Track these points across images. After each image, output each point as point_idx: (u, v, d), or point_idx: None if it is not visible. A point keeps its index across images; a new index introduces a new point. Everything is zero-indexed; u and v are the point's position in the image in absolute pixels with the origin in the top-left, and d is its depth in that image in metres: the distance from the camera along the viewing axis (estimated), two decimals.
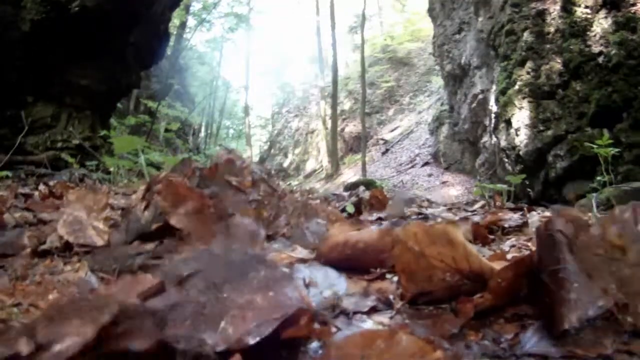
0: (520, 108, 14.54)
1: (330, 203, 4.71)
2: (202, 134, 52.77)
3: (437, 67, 28.16)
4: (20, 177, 6.66)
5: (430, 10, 26.07)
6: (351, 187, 6.31)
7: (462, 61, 22.28)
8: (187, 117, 36.72)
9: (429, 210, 5.13)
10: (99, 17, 7.96)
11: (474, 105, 21.68)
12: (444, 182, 25.38)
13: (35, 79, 7.92)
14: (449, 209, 5.91)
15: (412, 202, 5.75)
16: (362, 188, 6.03)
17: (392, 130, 36.70)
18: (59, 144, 7.94)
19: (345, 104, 40.86)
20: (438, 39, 25.14)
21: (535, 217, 3.92)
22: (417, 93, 39.81)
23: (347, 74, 43.40)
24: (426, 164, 28.69)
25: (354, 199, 4.43)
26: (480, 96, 20.82)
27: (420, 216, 4.07)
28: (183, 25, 31.74)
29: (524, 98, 14.44)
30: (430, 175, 27.07)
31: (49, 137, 7.92)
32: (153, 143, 25.40)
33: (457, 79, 23.82)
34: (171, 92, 28.55)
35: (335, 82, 35.39)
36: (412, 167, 29.36)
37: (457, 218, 3.53)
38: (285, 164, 46.86)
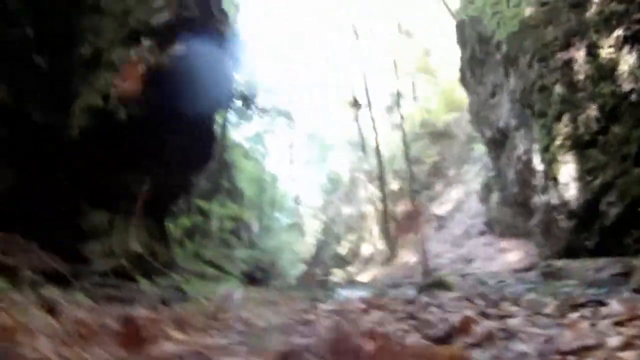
0: (565, 163, 14.40)
1: None
2: (255, 229, 53.26)
3: (477, 134, 28.05)
4: (86, 288, 6.58)
5: (462, 79, 26.27)
6: (424, 289, 6.15)
7: (501, 125, 22.16)
8: (239, 215, 37.26)
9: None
10: (145, 124, 8.20)
11: (519, 167, 21.39)
12: (501, 250, 24.84)
13: (88, 186, 8.13)
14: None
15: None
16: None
17: (442, 205, 36.44)
18: (117, 251, 8.06)
19: (393, 185, 40.83)
20: (473, 107, 25.21)
21: None
22: (461, 164, 39.61)
23: (391, 153, 43.57)
24: (481, 233, 28.19)
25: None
26: (524, 157, 20.52)
27: None
28: (224, 122, 32.70)
29: (567, 152, 14.32)
30: (486, 244, 26.58)
31: (105, 243, 8.06)
32: (208, 243, 25.71)
33: (498, 143, 23.64)
34: (221, 191, 29.12)
35: (380, 164, 35.61)
36: (468, 239, 28.89)
37: None
38: (341, 251, 46.67)
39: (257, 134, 47.21)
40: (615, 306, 3.11)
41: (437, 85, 45.64)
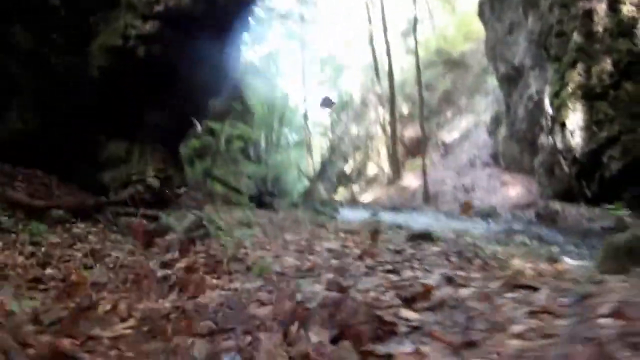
0: (574, 111, 14.79)
1: None
2: (262, 144, 53.80)
3: (492, 68, 28.21)
4: (109, 219, 7.06)
5: (480, 14, 26.26)
6: (411, 238, 6.73)
7: (516, 62, 22.45)
8: (248, 135, 37.68)
9: None
10: (163, 61, 8.49)
11: (529, 106, 21.83)
12: (504, 183, 25.44)
13: (107, 119, 8.46)
14: None
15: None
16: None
17: (450, 132, 36.78)
18: (134, 177, 8.34)
19: (404, 109, 41.13)
20: (490, 42, 25.34)
21: None
22: (473, 94, 39.70)
23: (403, 78, 43.54)
24: (486, 165, 28.72)
25: None
26: (536, 97, 20.95)
27: None
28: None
29: (577, 100, 14.69)
30: (490, 176, 27.14)
31: (124, 171, 8.38)
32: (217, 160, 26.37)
33: (511, 80, 23.96)
34: (232, 110, 29.51)
35: (392, 87, 35.80)
36: (472, 169, 29.47)
37: None
38: (347, 170, 47.34)
39: (269, 54, 47.10)
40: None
41: (455, 14, 45.13)
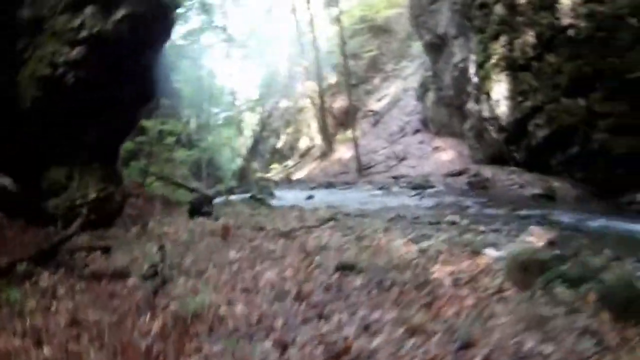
0: (498, 81, 15.05)
1: None
2: (193, 125, 52.93)
3: (416, 35, 28.37)
4: (67, 263, 6.59)
5: None
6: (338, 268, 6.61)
7: (439, 31, 22.62)
8: (177, 130, 36.91)
9: None
10: (93, 85, 8.45)
11: (455, 73, 22.08)
12: (435, 148, 25.77)
13: (44, 146, 8.37)
14: None
15: None
16: None
17: (379, 100, 36.89)
18: (78, 202, 8.40)
19: (331, 78, 41.01)
20: (414, 10, 25.41)
21: None
22: (400, 59, 39.93)
23: (330, 47, 43.36)
24: (417, 131, 29.01)
25: None
26: (461, 64, 21.18)
27: None
28: None
29: (501, 71, 14.95)
30: (421, 142, 27.46)
31: (67, 198, 8.41)
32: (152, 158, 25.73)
33: (436, 48, 24.15)
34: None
35: (318, 61, 35.52)
36: (403, 136, 29.73)
37: None
38: (279, 145, 47.07)
39: (192, 31, 46.03)
40: None
41: None
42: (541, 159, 14.49)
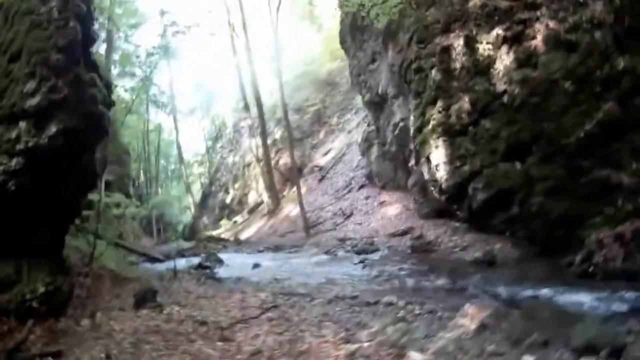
0: (436, 146, 15.10)
1: None
2: (142, 178, 52.43)
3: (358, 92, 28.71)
4: None
5: (342, 43, 26.64)
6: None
7: (379, 90, 22.87)
8: (122, 202, 36.36)
9: None
10: (33, 191, 8.68)
11: (396, 132, 22.30)
12: (381, 203, 25.81)
13: None
14: None
15: None
16: None
17: (325, 154, 37.15)
18: (28, 296, 8.73)
19: (277, 133, 41.16)
20: (354, 70, 25.73)
21: None
22: (343, 112, 40.42)
23: (274, 101, 43.67)
24: (362, 186, 29.14)
25: None
26: (401, 124, 21.42)
27: None
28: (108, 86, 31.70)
29: (438, 137, 15.00)
30: (367, 197, 27.51)
31: (18, 292, 8.72)
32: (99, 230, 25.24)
33: (377, 105, 24.42)
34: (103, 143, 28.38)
35: (262, 118, 35.56)
36: (349, 191, 29.82)
37: None
38: (228, 200, 46.85)
39: (137, 86, 45.91)
40: None
41: (321, 33, 45.68)
42: (483, 219, 14.54)
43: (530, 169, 12.36)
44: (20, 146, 8.18)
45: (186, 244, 31.31)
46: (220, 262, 19.51)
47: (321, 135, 40.41)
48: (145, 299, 10.54)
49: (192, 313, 10.16)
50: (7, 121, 8.25)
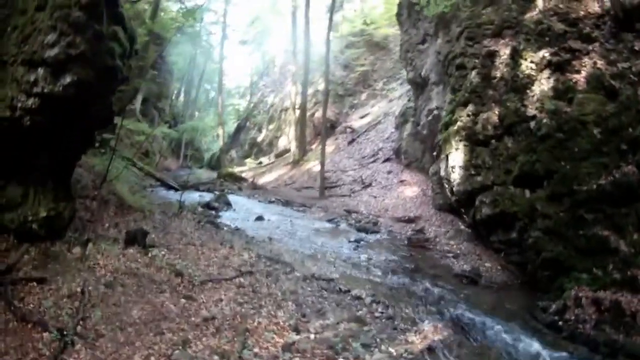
0: (457, 149, 15.15)
1: None
2: (182, 98, 52.95)
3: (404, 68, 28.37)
4: (7, 300, 7.80)
5: (398, 15, 26.21)
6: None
7: (423, 73, 22.66)
8: (162, 89, 36.88)
9: None
10: (46, 127, 9.33)
11: (429, 118, 22.19)
12: (402, 181, 25.76)
13: (2, 166, 9.35)
14: None
15: None
16: None
17: (362, 117, 36.91)
18: (30, 218, 9.49)
19: (320, 84, 40.87)
20: (404, 44, 25.40)
21: None
22: (390, 79, 39.98)
23: (324, 54, 43.40)
24: (388, 159, 29.02)
25: None
26: (436, 112, 21.30)
27: None
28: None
29: (460, 140, 15.04)
30: (389, 172, 27.43)
31: (21, 214, 9.44)
32: (129, 116, 25.74)
33: (419, 85, 24.19)
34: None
35: (306, 67, 35.33)
36: (374, 161, 29.74)
37: None
38: (259, 139, 47.08)
39: (191, 10, 45.82)
40: None
41: None
42: (484, 232, 14.64)
43: (537, 201, 12.34)
44: (37, 89, 8.61)
45: (205, 176, 31.96)
46: (228, 204, 19.91)
47: (363, 97, 40.12)
48: (136, 238, 10.96)
49: (174, 261, 10.64)
50: (29, 65, 8.66)
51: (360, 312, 9.55)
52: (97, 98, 9.63)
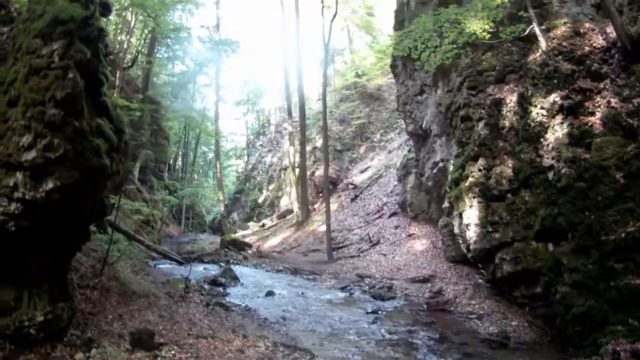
0: (471, 206, 14.47)
1: None
2: (180, 163, 52.67)
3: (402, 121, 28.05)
4: None
5: (393, 67, 25.94)
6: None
7: (424, 125, 22.22)
8: (160, 154, 36.55)
9: None
10: (38, 229, 8.49)
11: (434, 171, 21.67)
12: (410, 235, 25.17)
13: None
14: None
15: None
16: None
17: (362, 172, 36.51)
18: (26, 323, 8.53)
19: (317, 141, 40.64)
20: (401, 97, 25.05)
21: None
22: (387, 130, 39.79)
23: (319, 108, 43.26)
24: (394, 213, 28.49)
25: None
26: (441, 164, 20.81)
27: None
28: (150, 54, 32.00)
29: (474, 197, 14.36)
30: (397, 227, 26.89)
31: (16, 319, 8.49)
32: (128, 185, 25.18)
33: (420, 137, 23.79)
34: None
35: (303, 126, 34.69)
36: (380, 217, 29.19)
37: None
38: (260, 200, 46.64)
39: (186, 72, 45.92)
40: None
41: (375, 46, 44.88)
42: (506, 288, 13.89)
43: (562, 255, 11.50)
44: (18, 194, 7.82)
45: (208, 242, 31.24)
46: (235, 279, 19.10)
47: (362, 150, 39.81)
48: (141, 340, 10.09)
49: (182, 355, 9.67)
50: (5, 168, 7.84)
51: None
52: (86, 198, 8.79)
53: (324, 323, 13.80)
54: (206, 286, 17.35)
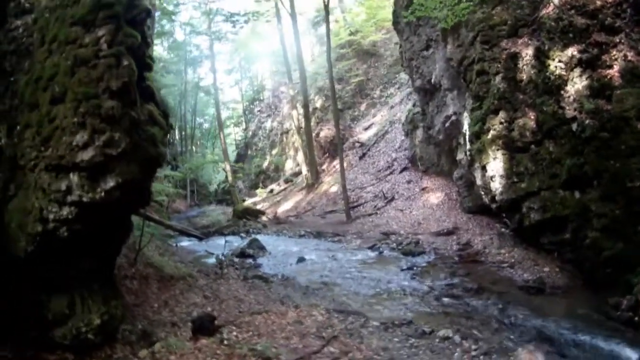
0: (495, 158, 14.71)
1: None
2: (177, 136, 52.59)
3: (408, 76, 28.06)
4: None
5: (395, 24, 25.88)
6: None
7: (432, 80, 22.31)
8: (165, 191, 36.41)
9: None
10: (92, 231, 8.18)
11: (447, 124, 21.84)
12: (423, 189, 25.52)
13: (41, 278, 8.22)
14: None
15: None
16: None
17: (366, 129, 36.58)
18: (83, 329, 8.23)
19: (317, 102, 40.67)
20: (406, 53, 25.07)
21: None
22: (387, 85, 39.81)
23: (315, 69, 43.09)
24: (404, 168, 28.75)
25: None
26: (454, 117, 20.95)
27: None
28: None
29: (498, 149, 14.60)
30: (409, 182, 27.18)
31: (73, 326, 8.19)
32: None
33: (428, 92, 23.89)
34: None
35: (304, 86, 34.59)
36: (391, 173, 29.45)
37: None
38: (264, 165, 46.73)
39: (177, 44, 45.59)
40: None
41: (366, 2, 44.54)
42: (533, 236, 14.27)
43: (590, 202, 11.98)
44: (72, 197, 7.40)
45: (218, 212, 31.42)
46: (262, 249, 19.30)
47: (362, 107, 39.84)
48: (203, 326, 10.16)
49: (252, 341, 9.78)
50: (55, 171, 7.39)
51: (456, 353, 9.08)
52: (141, 190, 8.47)
53: (365, 284, 14.18)
54: (236, 259, 17.63)
